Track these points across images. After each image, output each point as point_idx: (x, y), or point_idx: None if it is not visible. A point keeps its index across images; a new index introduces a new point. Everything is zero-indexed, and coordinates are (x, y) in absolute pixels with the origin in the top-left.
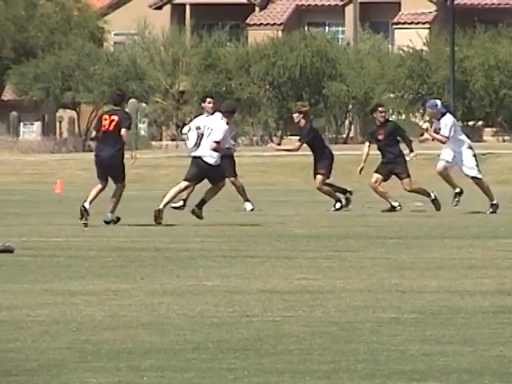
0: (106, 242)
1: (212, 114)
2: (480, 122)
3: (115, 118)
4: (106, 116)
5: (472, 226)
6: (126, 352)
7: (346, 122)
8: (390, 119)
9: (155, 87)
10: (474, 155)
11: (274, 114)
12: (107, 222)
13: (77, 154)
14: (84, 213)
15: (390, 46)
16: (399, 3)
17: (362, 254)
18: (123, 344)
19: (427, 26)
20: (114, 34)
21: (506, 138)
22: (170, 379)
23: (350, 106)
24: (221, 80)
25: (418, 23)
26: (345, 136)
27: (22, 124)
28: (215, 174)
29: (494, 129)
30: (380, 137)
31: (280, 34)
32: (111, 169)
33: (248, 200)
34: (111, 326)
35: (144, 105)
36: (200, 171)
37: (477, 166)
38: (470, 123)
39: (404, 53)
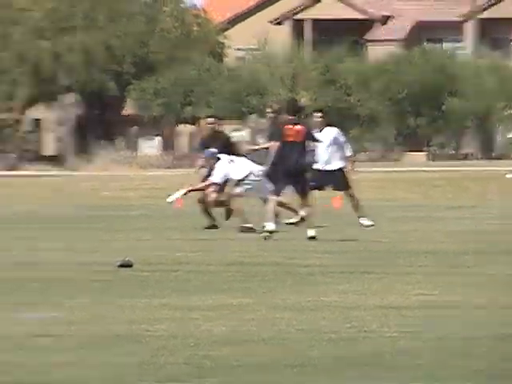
0: (224, 256)
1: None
2: None
3: (299, 127)
4: (290, 126)
5: None
6: (243, 367)
7: (466, 138)
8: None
9: None
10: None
11: (392, 129)
12: (313, 237)
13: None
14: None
15: (510, 62)
16: None
17: (480, 270)
18: (241, 360)
19: None
20: (236, 49)
21: None
22: None
23: (470, 122)
24: (340, 95)
25: None
26: (464, 152)
27: (141, 139)
28: None
29: None
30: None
31: (399, 49)
32: (297, 177)
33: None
34: (230, 341)
35: (264, 120)
36: None
37: None
38: None
39: None
